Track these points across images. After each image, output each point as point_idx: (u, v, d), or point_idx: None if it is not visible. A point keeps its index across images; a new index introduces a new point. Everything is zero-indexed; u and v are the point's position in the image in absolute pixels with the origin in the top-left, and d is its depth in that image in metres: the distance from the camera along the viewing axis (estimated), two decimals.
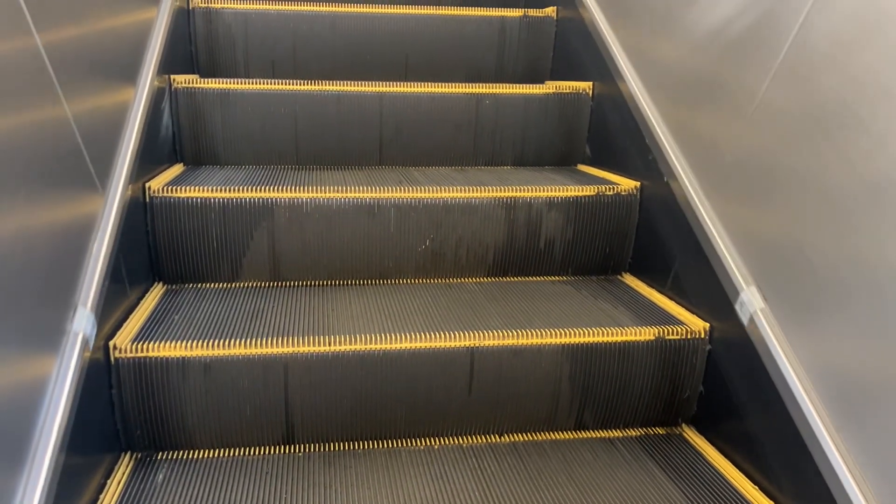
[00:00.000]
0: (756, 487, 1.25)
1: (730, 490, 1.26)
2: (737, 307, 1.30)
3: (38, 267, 1.01)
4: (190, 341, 1.30)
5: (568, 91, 2.01)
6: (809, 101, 1.17)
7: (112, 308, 1.29)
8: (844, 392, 1.06)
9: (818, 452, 1.07)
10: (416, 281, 1.70)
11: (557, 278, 1.76)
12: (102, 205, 1.30)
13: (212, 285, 1.63)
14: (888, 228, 1.00)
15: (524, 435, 1.42)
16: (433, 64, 2.24)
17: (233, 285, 1.63)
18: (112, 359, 1.26)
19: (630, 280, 1.74)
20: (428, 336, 1.35)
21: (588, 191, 1.70)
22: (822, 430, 1.07)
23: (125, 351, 1.26)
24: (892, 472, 0.96)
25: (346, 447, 1.36)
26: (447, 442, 1.39)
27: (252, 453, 1.33)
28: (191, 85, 1.86)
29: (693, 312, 1.47)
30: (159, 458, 1.31)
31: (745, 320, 1.27)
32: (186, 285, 1.62)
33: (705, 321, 1.42)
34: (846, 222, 1.07)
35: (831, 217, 1.10)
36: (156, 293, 1.56)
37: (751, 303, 1.26)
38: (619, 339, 1.40)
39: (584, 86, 2.01)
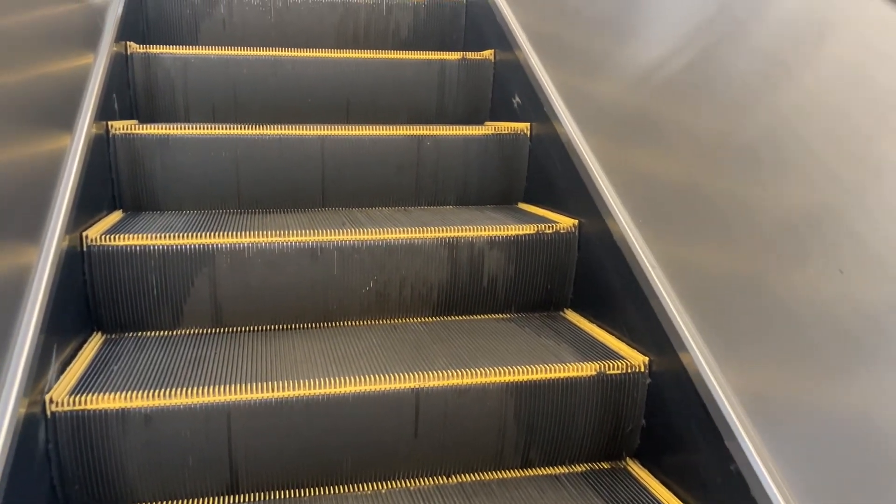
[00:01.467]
0: None
1: None
2: (673, 340, 1.33)
3: None
4: (129, 392, 1.28)
5: (507, 132, 2.06)
6: (733, 139, 1.23)
7: (48, 360, 1.26)
8: (778, 423, 1.09)
9: (755, 484, 1.10)
10: (362, 323, 1.70)
11: (501, 316, 1.78)
12: (37, 256, 1.28)
13: (152, 334, 1.60)
14: (803, 262, 1.04)
15: (471, 475, 1.43)
16: (375, 107, 2.27)
17: (174, 333, 1.61)
18: (48, 413, 1.23)
19: (572, 316, 1.77)
20: (373, 379, 1.35)
21: (528, 229, 1.74)
22: (757, 461, 1.11)
23: (62, 404, 1.23)
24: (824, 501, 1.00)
25: (292, 494, 1.35)
26: (395, 485, 1.39)
27: None
28: (129, 131, 1.85)
29: (633, 347, 1.50)
30: None
31: (680, 353, 1.31)
32: (126, 334, 1.60)
33: (645, 355, 1.45)
34: (771, 256, 1.12)
35: (757, 250, 1.15)
36: (94, 343, 1.53)
37: (685, 336, 1.30)
38: (562, 375, 1.42)
39: (522, 126, 2.05)
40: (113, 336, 1.59)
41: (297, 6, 2.48)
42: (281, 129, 1.93)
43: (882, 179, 0.95)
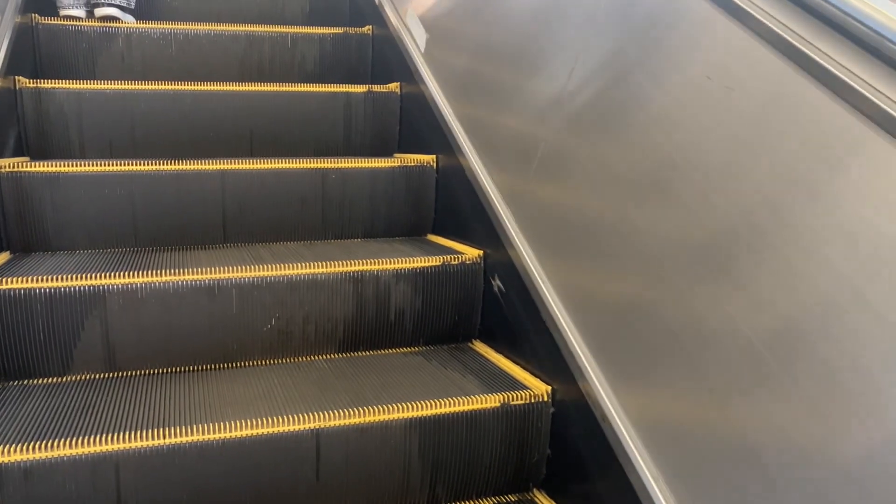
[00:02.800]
0: None
1: None
2: (573, 370, 1.34)
3: None
4: (8, 445, 1.20)
5: (413, 164, 2.05)
6: (634, 168, 1.25)
7: None
8: (669, 446, 1.10)
9: None
10: (263, 362, 1.66)
11: (409, 349, 1.76)
12: None
13: (39, 381, 1.52)
14: (691, 292, 1.06)
15: None
16: (279, 140, 2.24)
17: (63, 380, 1.53)
18: None
19: (480, 347, 1.77)
20: (270, 421, 1.31)
21: (434, 261, 1.73)
22: (654, 487, 1.11)
23: None
24: None
25: None
26: None
27: None
28: (17, 169, 1.77)
29: (537, 376, 1.51)
30: None
31: (580, 382, 1.31)
32: (10, 383, 1.51)
33: (548, 384, 1.46)
34: (661, 286, 1.13)
35: (648, 281, 1.17)
36: None
37: (584, 365, 1.30)
38: (466, 408, 1.41)
39: (429, 159, 2.05)
40: None
41: (199, 39, 2.44)
42: (179, 163, 1.87)
43: (759, 209, 0.98)
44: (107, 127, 2.09)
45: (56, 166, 1.79)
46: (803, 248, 0.91)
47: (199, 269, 1.58)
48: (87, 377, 1.55)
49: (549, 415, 1.44)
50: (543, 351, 1.46)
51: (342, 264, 1.68)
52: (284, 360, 1.67)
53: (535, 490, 1.48)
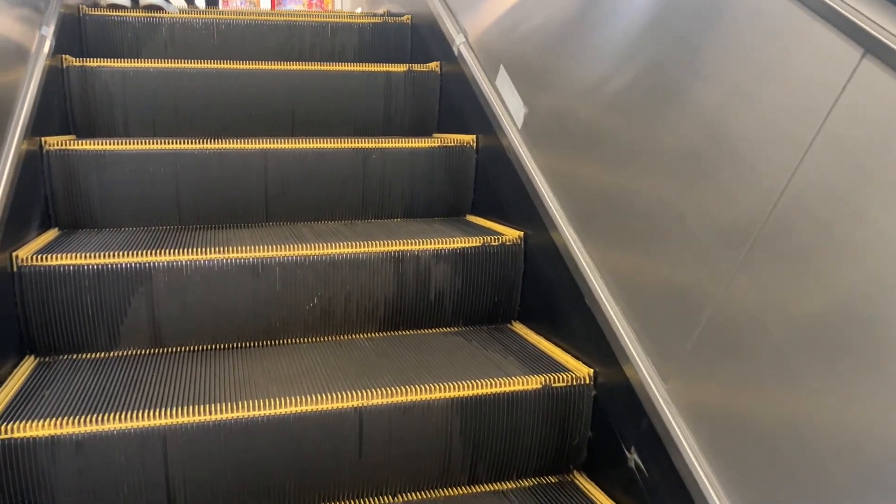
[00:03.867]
0: None
1: None
2: (616, 353, 1.33)
3: None
4: (60, 418, 1.23)
5: (453, 144, 2.05)
6: (680, 144, 1.23)
7: None
8: (717, 432, 1.09)
9: (698, 497, 1.10)
10: (305, 340, 1.67)
11: (449, 329, 1.76)
12: None
13: (88, 356, 1.55)
14: (740, 273, 1.05)
15: (418, 493, 1.40)
16: (320, 119, 2.24)
17: (110, 355, 1.56)
18: None
19: (520, 328, 1.76)
20: (314, 398, 1.32)
21: (474, 242, 1.73)
22: (699, 472, 1.10)
23: None
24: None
25: None
26: None
27: None
28: (64, 147, 1.79)
29: (578, 359, 1.50)
30: None
31: (623, 365, 1.31)
32: (60, 357, 1.54)
33: (590, 367, 1.45)
34: (708, 266, 1.12)
35: (696, 261, 1.15)
36: (26, 367, 1.47)
37: (628, 348, 1.29)
38: (507, 389, 1.41)
39: (468, 139, 2.04)
40: (46, 359, 1.53)
41: (240, 28, 2.46)
42: (222, 143, 1.89)
43: (809, 185, 0.96)
44: (150, 105, 2.11)
45: (101, 144, 1.82)
46: (858, 230, 0.89)
47: (243, 248, 1.60)
48: (134, 353, 1.58)
49: (590, 397, 1.44)
50: (586, 333, 1.46)
51: (384, 244, 1.68)
52: (326, 339, 1.69)
53: (575, 472, 1.48)
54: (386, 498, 1.39)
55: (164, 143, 1.85)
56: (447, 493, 1.41)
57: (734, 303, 1.07)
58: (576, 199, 1.54)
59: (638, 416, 1.26)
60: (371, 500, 1.38)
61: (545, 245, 1.62)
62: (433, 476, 1.41)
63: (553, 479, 1.46)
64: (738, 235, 1.07)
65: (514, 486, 1.44)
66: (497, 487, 1.43)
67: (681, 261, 1.20)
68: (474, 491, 1.42)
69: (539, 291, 1.68)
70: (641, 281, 1.31)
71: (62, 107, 2.04)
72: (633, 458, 1.29)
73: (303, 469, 1.33)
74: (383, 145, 2.00)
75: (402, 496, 1.39)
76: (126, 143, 1.83)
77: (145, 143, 1.85)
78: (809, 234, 0.96)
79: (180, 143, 1.86)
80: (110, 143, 1.82)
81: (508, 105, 1.82)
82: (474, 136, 2.04)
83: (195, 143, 1.87)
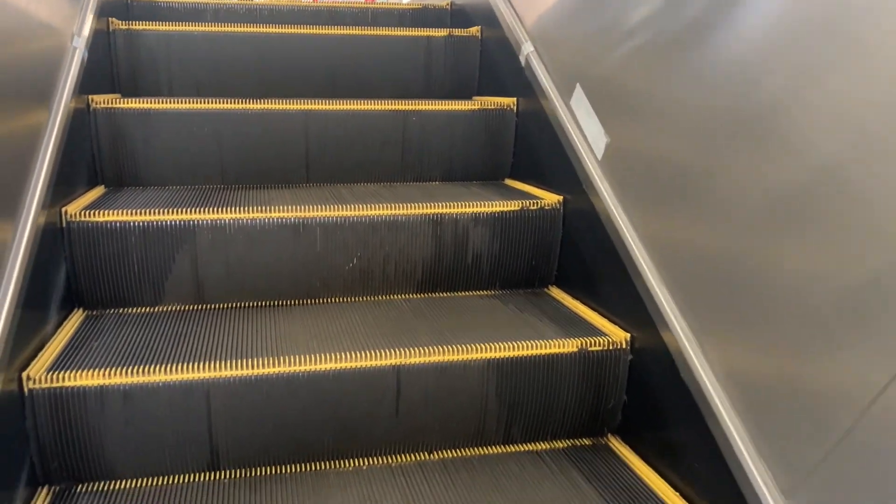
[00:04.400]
0: (678, 495, 1.28)
1: (652, 497, 1.28)
2: (654, 318, 1.33)
3: None
4: (108, 368, 1.27)
5: (493, 107, 2.04)
6: (724, 112, 1.22)
7: (26, 338, 1.26)
8: (755, 401, 1.09)
9: (733, 461, 1.10)
10: (344, 300, 1.70)
11: (485, 293, 1.77)
12: (13, 232, 1.27)
13: (134, 310, 1.60)
14: (784, 243, 1.03)
15: (453, 451, 1.43)
16: (361, 83, 2.25)
17: (155, 310, 1.60)
18: (26, 390, 1.22)
19: (556, 293, 1.77)
20: (353, 356, 1.34)
21: (512, 205, 1.73)
22: (736, 438, 1.10)
23: (39, 381, 1.23)
24: (802, 479, 1.00)
25: (272, 471, 1.35)
26: (376, 462, 1.39)
27: (175, 481, 1.31)
28: (111, 105, 1.82)
29: (615, 323, 1.50)
30: (78, 490, 1.28)
31: (662, 331, 1.30)
32: (107, 311, 1.59)
33: (627, 332, 1.45)
34: (752, 235, 1.11)
35: (739, 229, 1.14)
36: (75, 320, 1.52)
37: (667, 314, 1.29)
38: (544, 351, 1.41)
39: (509, 102, 2.03)
40: (94, 312, 1.58)
41: (281, 14, 2.46)
42: (265, 103, 1.90)
43: (870, 159, 0.94)
44: (194, 68, 2.14)
45: (146, 103, 1.84)
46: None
47: (285, 208, 1.62)
48: (178, 308, 1.61)
49: (626, 362, 1.44)
50: (624, 298, 1.46)
51: (423, 206, 1.69)
52: (364, 299, 1.71)
53: (609, 435, 1.49)
54: (422, 455, 1.41)
55: (208, 102, 1.88)
56: (482, 452, 1.43)
57: (777, 269, 1.06)
58: (617, 162, 1.52)
59: (674, 381, 1.26)
60: (407, 456, 1.40)
61: (585, 210, 1.61)
62: (468, 435, 1.43)
63: (587, 442, 1.48)
64: (784, 203, 1.06)
65: (548, 446, 1.46)
66: (531, 448, 1.45)
67: (723, 226, 1.18)
68: (509, 450, 1.44)
69: (577, 256, 1.68)
70: (682, 247, 1.30)
71: (108, 68, 2.07)
72: (669, 422, 1.30)
73: (341, 424, 1.36)
74: (423, 107, 2.00)
75: (437, 453, 1.42)
76: (171, 103, 1.86)
77: (189, 102, 1.87)
78: None
79: (223, 102, 1.88)
80: (155, 102, 1.85)
81: (583, 127, 1.67)
82: (515, 100, 2.03)
83: (238, 103, 1.89)
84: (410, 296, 1.74)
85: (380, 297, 1.72)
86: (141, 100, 1.85)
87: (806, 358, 0.99)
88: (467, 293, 1.77)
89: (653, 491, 1.30)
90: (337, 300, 1.69)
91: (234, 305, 1.64)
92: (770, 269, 1.07)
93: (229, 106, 1.88)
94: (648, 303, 1.35)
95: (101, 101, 1.81)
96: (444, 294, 1.76)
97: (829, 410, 0.95)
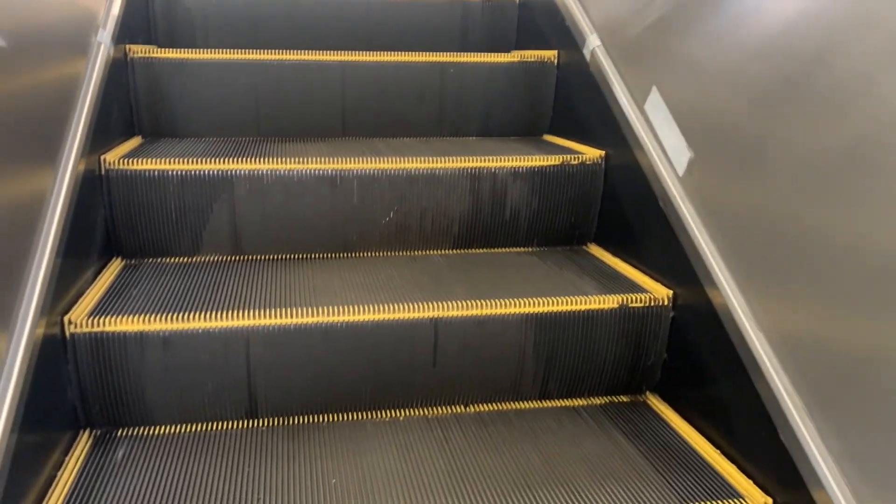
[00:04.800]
0: (719, 452, 1.26)
1: (693, 456, 1.27)
2: (700, 274, 1.30)
3: None
4: (148, 315, 1.27)
5: (533, 60, 1.99)
6: (773, 66, 1.17)
7: (67, 283, 1.26)
8: (806, 360, 1.06)
9: (780, 420, 1.08)
10: (380, 254, 1.68)
11: (523, 249, 1.75)
12: (53, 179, 1.27)
13: (172, 260, 1.60)
14: (838, 200, 1.00)
15: (489, 405, 1.42)
16: (399, 43, 2.20)
17: (193, 259, 1.60)
18: (67, 334, 1.23)
19: (595, 250, 1.74)
20: (391, 307, 1.33)
21: (553, 160, 1.69)
22: (784, 397, 1.08)
23: (81, 326, 1.23)
24: (854, 442, 0.97)
25: (310, 420, 1.35)
26: (412, 413, 1.38)
27: (214, 428, 1.32)
28: (148, 55, 1.81)
29: (657, 280, 1.47)
30: (119, 434, 1.29)
31: (707, 288, 1.28)
32: (146, 260, 1.59)
33: (669, 288, 1.42)
34: (805, 190, 1.07)
35: (792, 184, 1.10)
36: (114, 268, 1.52)
37: (714, 270, 1.26)
38: (584, 307, 1.39)
39: (549, 54, 1.99)
40: (132, 261, 1.58)
41: None
42: (301, 54, 1.88)
43: None
44: (230, 25, 2.11)
45: (184, 53, 1.83)
46: None
47: (322, 159, 1.60)
48: (215, 259, 1.61)
49: (668, 319, 1.41)
50: (668, 255, 1.43)
51: (461, 160, 1.66)
52: (400, 253, 1.69)
53: (647, 392, 1.47)
54: (458, 408, 1.41)
55: (245, 53, 1.86)
56: (518, 407, 1.42)
57: (830, 227, 1.02)
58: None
59: (719, 339, 1.24)
60: (443, 408, 1.40)
61: (629, 164, 1.58)
62: (505, 389, 1.42)
63: (625, 399, 1.46)
64: (835, 162, 1.02)
65: (585, 402, 1.44)
66: (568, 403, 1.44)
67: (772, 183, 1.15)
68: (545, 406, 1.43)
69: (619, 212, 1.65)
70: (730, 202, 1.26)
71: (145, 18, 2.05)
72: (712, 380, 1.28)
73: (378, 375, 1.35)
74: (462, 59, 1.97)
75: (473, 407, 1.41)
76: (207, 53, 1.84)
77: (226, 52, 1.85)
78: None
79: (260, 53, 1.86)
80: (192, 53, 1.84)
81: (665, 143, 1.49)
82: (556, 52, 1.98)
83: (274, 53, 1.87)
84: (446, 251, 1.72)
85: (416, 252, 1.71)
86: (178, 50, 1.84)
87: (859, 318, 0.96)
88: (504, 249, 1.75)
89: (693, 448, 1.29)
90: (373, 254, 1.68)
91: (271, 257, 1.64)
92: (824, 226, 1.03)
93: (266, 57, 1.86)
94: (694, 259, 1.32)
95: (138, 50, 1.80)
96: (481, 250, 1.74)
97: (883, 372, 0.92)
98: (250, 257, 1.63)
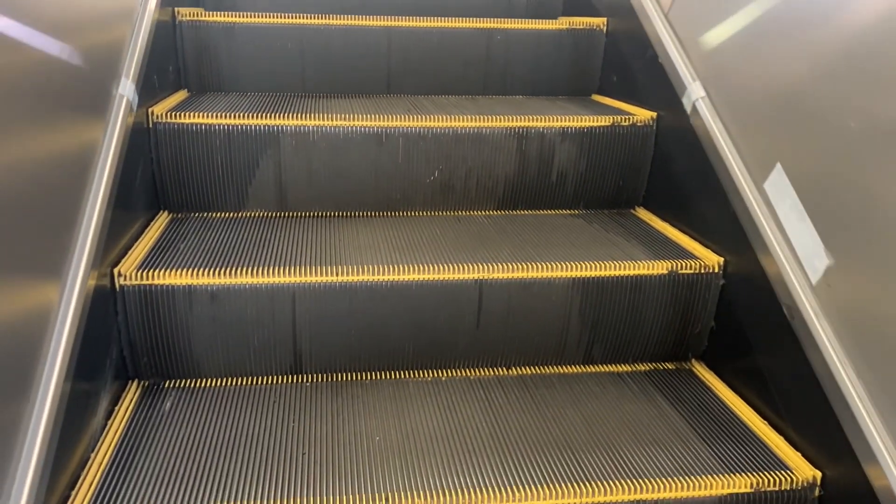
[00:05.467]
0: (766, 423, 1.24)
1: (740, 425, 1.25)
2: (753, 241, 1.27)
3: (39, 203, 0.99)
4: (196, 269, 1.28)
5: (581, 27, 1.95)
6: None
7: (116, 236, 1.27)
8: (865, 333, 1.03)
9: (833, 392, 1.05)
10: (425, 213, 1.67)
11: (569, 212, 1.73)
12: (103, 130, 1.27)
13: (218, 215, 1.61)
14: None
15: (532, 368, 1.41)
16: (445, 10, 2.15)
17: (239, 215, 1.61)
18: (117, 286, 1.24)
19: (643, 214, 1.71)
20: (436, 268, 1.33)
21: (603, 121, 1.66)
22: (839, 369, 1.05)
23: (130, 278, 1.25)
24: None
25: (354, 377, 1.36)
26: (455, 374, 1.38)
27: (259, 382, 1.33)
28: (196, 18, 1.81)
29: (707, 247, 1.44)
30: (166, 386, 1.31)
31: (761, 254, 1.24)
32: (192, 214, 1.60)
33: (720, 256, 1.39)
34: (859, 161, 1.03)
35: (851, 150, 1.06)
36: (161, 222, 1.53)
37: (768, 237, 1.23)
38: (632, 272, 1.37)
39: (599, 21, 1.94)
40: (179, 215, 1.59)
41: None
42: (347, 19, 1.86)
43: None
44: None
45: (232, 16, 1.83)
46: None
47: (368, 116, 1.59)
48: (261, 214, 1.62)
49: (718, 287, 1.39)
50: (719, 220, 1.39)
51: (508, 119, 1.64)
52: (445, 213, 1.68)
53: (693, 360, 1.45)
54: (501, 370, 1.40)
55: (291, 17, 1.85)
56: (561, 371, 1.41)
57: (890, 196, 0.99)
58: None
59: (771, 309, 1.21)
60: (486, 370, 1.40)
61: (682, 127, 1.54)
62: (548, 353, 1.41)
63: (670, 366, 1.44)
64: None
65: (630, 368, 1.43)
66: (612, 369, 1.42)
67: (827, 145, 1.11)
68: (589, 371, 1.42)
69: (669, 176, 1.61)
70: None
71: None
72: (762, 350, 1.25)
73: (421, 335, 1.35)
74: (509, 26, 1.93)
75: (516, 369, 1.41)
76: (255, 17, 1.84)
77: (273, 16, 1.85)
78: None
79: (306, 17, 1.86)
80: (240, 16, 1.84)
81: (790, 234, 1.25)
82: (605, 19, 1.93)
83: (321, 18, 1.86)
84: (491, 212, 1.70)
85: (460, 213, 1.69)
86: (226, 13, 1.83)
87: None
88: (549, 212, 1.72)
89: (739, 417, 1.27)
90: (417, 214, 1.67)
91: (315, 214, 1.63)
92: (888, 195, 0.99)
93: (312, 21, 1.85)
94: (747, 224, 1.29)
95: (187, 13, 1.80)
96: (526, 212, 1.72)
97: None
98: (296, 213, 1.63)
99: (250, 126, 1.54)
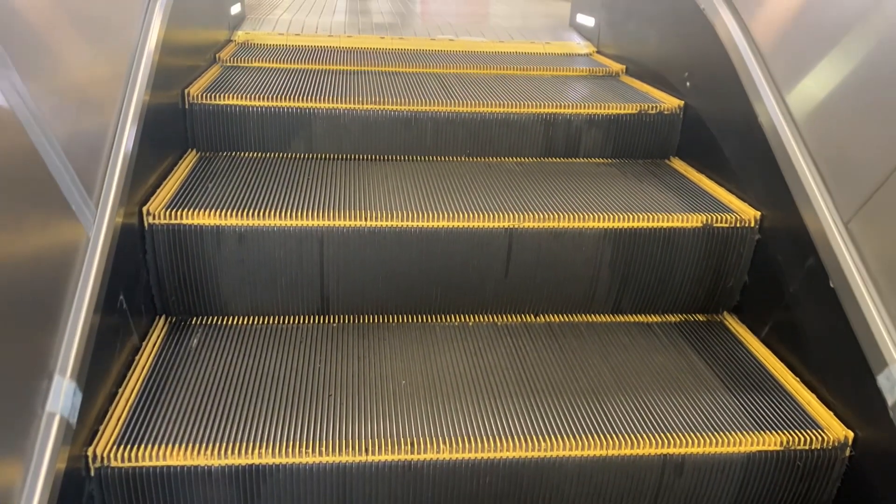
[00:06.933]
0: (798, 379, 1.22)
1: (770, 380, 1.23)
2: (795, 196, 1.22)
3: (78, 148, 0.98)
4: (224, 210, 1.28)
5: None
6: None
7: (144, 174, 1.26)
8: None
9: (873, 351, 1.02)
10: (457, 159, 1.66)
11: (601, 160, 1.70)
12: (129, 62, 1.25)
13: (245, 154, 1.59)
14: None
15: (560, 316, 1.40)
16: None
17: (267, 155, 1.59)
18: (146, 224, 1.24)
19: (678, 164, 1.67)
20: (466, 215, 1.31)
21: (630, 108, 1.66)
22: (880, 328, 1.02)
23: (159, 217, 1.24)
24: None
25: (380, 320, 1.35)
26: (482, 320, 1.38)
27: (286, 322, 1.33)
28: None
29: (744, 200, 1.40)
30: (193, 323, 1.32)
31: (802, 209, 1.20)
32: (220, 154, 1.59)
33: (756, 209, 1.36)
34: None
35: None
36: (189, 160, 1.52)
37: (811, 191, 1.18)
38: (665, 224, 1.34)
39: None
40: (207, 154, 1.58)
41: None
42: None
43: None
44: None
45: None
46: None
47: (397, 99, 1.62)
48: (289, 155, 1.60)
49: (753, 241, 1.35)
50: (758, 173, 1.35)
51: (535, 105, 1.66)
52: (477, 160, 1.66)
53: (725, 313, 1.43)
54: (528, 317, 1.39)
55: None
56: (589, 319, 1.40)
57: None
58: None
59: (811, 265, 1.17)
60: (513, 317, 1.39)
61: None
62: (576, 302, 1.39)
63: (701, 318, 1.42)
64: None
65: (659, 319, 1.41)
66: (641, 319, 1.41)
67: (875, 98, 1.06)
68: (617, 320, 1.40)
69: (704, 126, 1.57)
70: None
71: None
72: (797, 305, 1.22)
73: (449, 281, 1.34)
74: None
75: (543, 317, 1.39)
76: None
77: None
78: None
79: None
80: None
81: None
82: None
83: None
84: (523, 159, 1.67)
85: (492, 160, 1.67)
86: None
87: None
88: (581, 160, 1.69)
89: (770, 372, 1.25)
90: (448, 159, 1.65)
91: (342, 157, 1.62)
92: None
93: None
94: (790, 178, 1.24)
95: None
96: (557, 160, 1.69)
97: None
98: (322, 156, 1.61)
99: (283, 108, 1.51)
